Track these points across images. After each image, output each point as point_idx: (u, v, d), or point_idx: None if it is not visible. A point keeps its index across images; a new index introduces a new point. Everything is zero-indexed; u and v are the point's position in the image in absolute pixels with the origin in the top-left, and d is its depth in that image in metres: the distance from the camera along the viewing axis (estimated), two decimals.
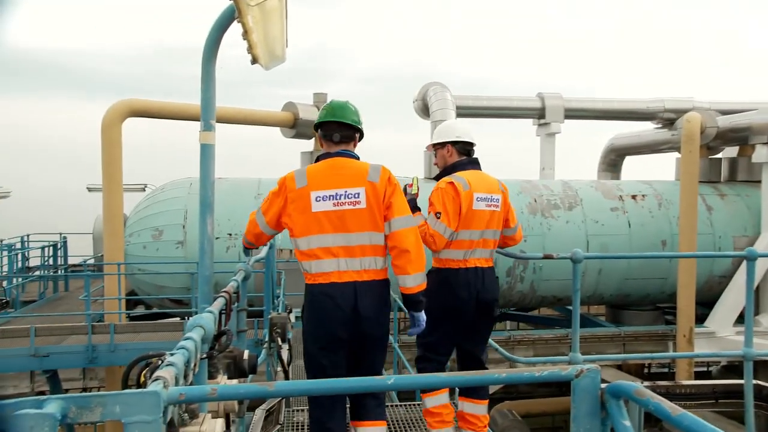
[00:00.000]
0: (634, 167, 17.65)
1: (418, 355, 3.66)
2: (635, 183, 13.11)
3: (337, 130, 3.03)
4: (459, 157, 3.69)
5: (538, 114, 14.53)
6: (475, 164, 3.71)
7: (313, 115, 12.28)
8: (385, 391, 3.24)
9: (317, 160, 3.07)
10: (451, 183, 3.50)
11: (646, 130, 15.57)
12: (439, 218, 3.41)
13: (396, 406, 5.06)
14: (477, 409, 3.62)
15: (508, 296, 12.08)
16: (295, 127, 12.19)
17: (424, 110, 13.65)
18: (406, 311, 3.14)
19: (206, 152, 3.09)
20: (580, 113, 14.63)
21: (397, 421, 4.68)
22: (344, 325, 2.86)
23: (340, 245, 2.87)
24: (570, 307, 13.50)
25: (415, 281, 2.93)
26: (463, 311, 3.47)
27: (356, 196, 2.87)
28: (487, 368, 3.80)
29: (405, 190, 3.33)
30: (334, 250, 2.87)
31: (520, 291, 11.96)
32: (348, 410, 3.13)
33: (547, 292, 12.07)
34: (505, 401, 13.06)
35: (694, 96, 14.59)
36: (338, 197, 2.87)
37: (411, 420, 4.71)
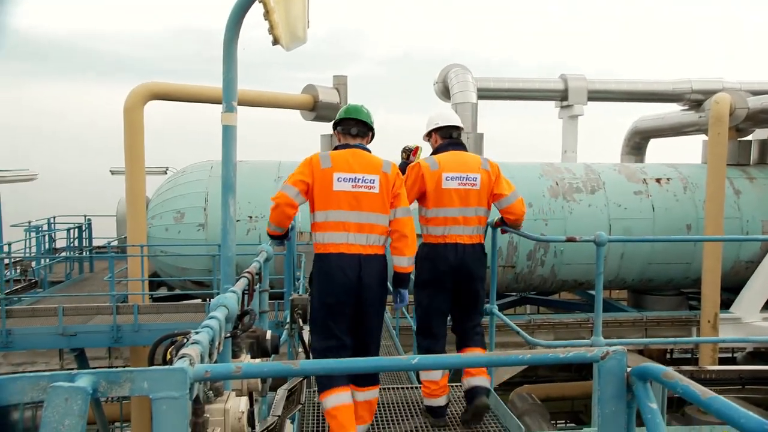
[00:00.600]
0: (658, 150, 17.35)
1: (417, 345, 4.12)
2: (660, 166, 12.88)
3: (354, 126, 3.49)
4: (444, 140, 3.97)
5: (561, 96, 14.31)
6: (456, 145, 3.95)
7: (333, 97, 12.25)
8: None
9: (336, 149, 3.46)
10: (417, 164, 3.82)
11: (671, 112, 15.26)
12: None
13: (415, 387, 5.09)
14: (432, 375, 3.96)
15: (528, 280, 12.02)
16: (315, 109, 12.18)
17: (445, 93, 13.53)
18: (393, 289, 3.58)
19: (228, 133, 3.10)
20: (604, 95, 14.36)
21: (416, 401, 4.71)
22: (349, 290, 3.30)
23: (353, 221, 3.30)
24: (591, 292, 13.41)
25: (408, 262, 3.45)
26: (443, 281, 3.81)
27: (372, 182, 3.32)
28: (480, 323, 4.14)
29: (407, 153, 3.73)
30: (347, 225, 3.30)
31: (540, 275, 11.89)
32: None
33: (568, 276, 11.98)
34: (525, 385, 13.06)
35: (724, 76, 14.23)
36: (356, 180, 3.30)
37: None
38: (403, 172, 3.74)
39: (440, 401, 4.00)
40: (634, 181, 12.22)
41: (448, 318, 4.07)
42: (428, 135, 4.07)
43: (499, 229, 4.37)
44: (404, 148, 5.78)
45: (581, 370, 15.13)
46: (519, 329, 4.48)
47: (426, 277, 3.86)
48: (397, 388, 5.05)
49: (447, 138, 3.97)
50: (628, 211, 11.82)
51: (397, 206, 3.41)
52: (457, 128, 4.02)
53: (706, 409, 1.24)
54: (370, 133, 3.57)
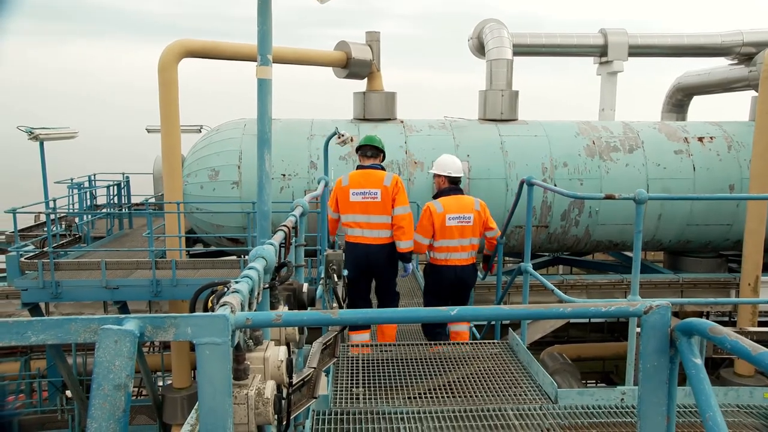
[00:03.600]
0: (702, 108, 16.64)
1: (423, 328, 5.81)
2: (702, 124, 12.40)
3: (369, 150, 5.19)
4: (448, 184, 5.33)
5: (600, 51, 13.78)
6: (456, 191, 5.33)
7: (366, 54, 12.06)
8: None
9: (358, 168, 5.18)
10: (428, 206, 5.25)
11: (718, 67, 14.54)
12: (416, 230, 5.24)
13: (447, 344, 5.14)
14: (459, 327, 5.58)
15: (562, 240, 11.89)
16: (348, 66, 12.03)
17: (480, 49, 13.18)
18: (400, 262, 5.24)
19: (263, 87, 3.07)
20: (646, 50, 13.75)
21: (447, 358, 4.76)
22: (363, 266, 5.11)
23: (364, 222, 5.03)
24: (626, 253, 13.22)
25: (406, 245, 5.08)
26: (445, 290, 5.33)
27: (375, 194, 4.98)
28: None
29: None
30: (360, 224, 5.05)
31: (574, 235, 11.73)
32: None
33: (602, 237, 11.80)
34: (555, 345, 13.10)
35: None
36: (365, 194, 4.99)
37: (459, 357, 4.78)
38: None
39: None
40: (675, 140, 11.82)
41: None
42: (437, 174, 5.38)
43: (533, 188, 4.94)
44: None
45: (613, 331, 15.07)
46: (554, 287, 4.45)
47: (431, 288, 5.38)
48: (430, 344, 5.11)
49: (452, 182, 5.33)
50: (667, 171, 11.48)
51: (396, 206, 5.00)
52: (459, 178, 5.37)
53: (757, 365, 1.20)
54: (382, 154, 5.23)
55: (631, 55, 13.67)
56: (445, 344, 5.12)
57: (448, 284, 5.23)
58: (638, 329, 4.11)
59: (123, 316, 1.44)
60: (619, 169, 11.45)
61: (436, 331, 5.52)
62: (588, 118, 12.92)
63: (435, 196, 5.36)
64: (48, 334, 1.47)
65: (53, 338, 1.48)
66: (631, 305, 1.57)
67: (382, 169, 5.10)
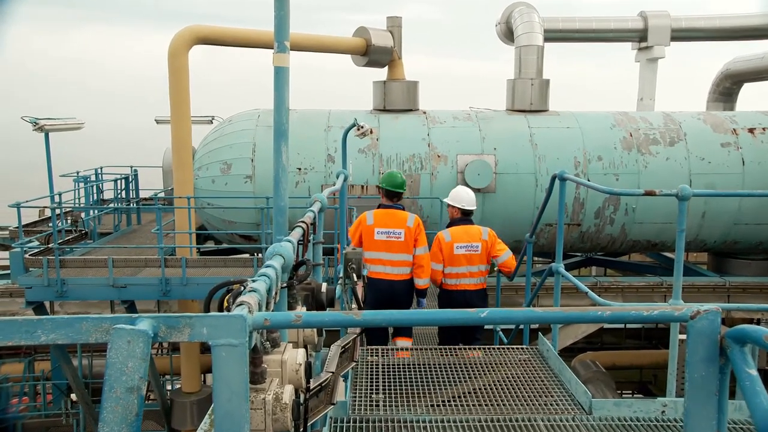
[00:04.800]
0: (753, 96, 16.27)
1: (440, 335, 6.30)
2: (754, 114, 12.15)
3: (396, 195, 5.75)
4: (459, 215, 5.92)
5: (639, 36, 13.58)
6: (466, 221, 5.92)
7: (386, 41, 12.05)
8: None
9: (379, 207, 5.77)
10: (438, 236, 5.88)
11: None
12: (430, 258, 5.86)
13: (472, 349, 5.13)
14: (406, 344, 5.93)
15: (595, 240, 11.78)
16: (368, 54, 12.03)
17: (508, 34, 13.10)
18: (415, 298, 5.85)
19: (280, 76, 3.08)
20: (691, 33, 13.50)
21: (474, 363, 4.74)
22: (385, 297, 5.58)
23: (387, 259, 5.62)
24: (666, 254, 13.03)
25: (424, 282, 5.75)
26: None
27: (399, 234, 5.58)
28: (479, 338, 5.98)
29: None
30: (383, 261, 5.63)
31: (608, 234, 11.61)
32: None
33: (639, 236, 11.66)
34: (588, 352, 12.98)
35: None
36: (389, 233, 5.57)
37: (485, 362, 4.77)
38: None
39: None
40: (722, 132, 11.60)
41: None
42: (450, 205, 5.98)
43: (566, 184, 4.97)
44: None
45: (651, 338, 14.89)
46: (587, 289, 4.41)
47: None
48: (454, 349, 5.10)
49: (465, 214, 5.92)
50: (712, 165, 11.29)
51: (417, 246, 5.64)
52: (471, 210, 5.97)
53: None
54: (402, 193, 5.83)
55: (673, 39, 13.44)
56: (472, 349, 5.11)
57: (459, 307, 5.63)
58: (681, 336, 4.06)
59: (136, 315, 1.47)
60: (659, 163, 11.28)
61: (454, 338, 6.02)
62: (625, 109, 12.76)
63: (448, 225, 6.10)
64: (58, 334, 1.50)
65: (64, 338, 1.51)
66: (676, 309, 1.55)
67: (403, 208, 5.83)
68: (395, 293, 5.57)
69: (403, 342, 5.85)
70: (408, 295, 5.69)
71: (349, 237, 5.67)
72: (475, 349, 5.12)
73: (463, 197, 5.93)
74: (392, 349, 5.17)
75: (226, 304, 1.84)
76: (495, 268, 6.21)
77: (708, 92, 15.67)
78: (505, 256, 5.91)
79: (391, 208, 5.65)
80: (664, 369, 4.07)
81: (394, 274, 5.56)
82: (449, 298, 5.86)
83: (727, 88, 15.34)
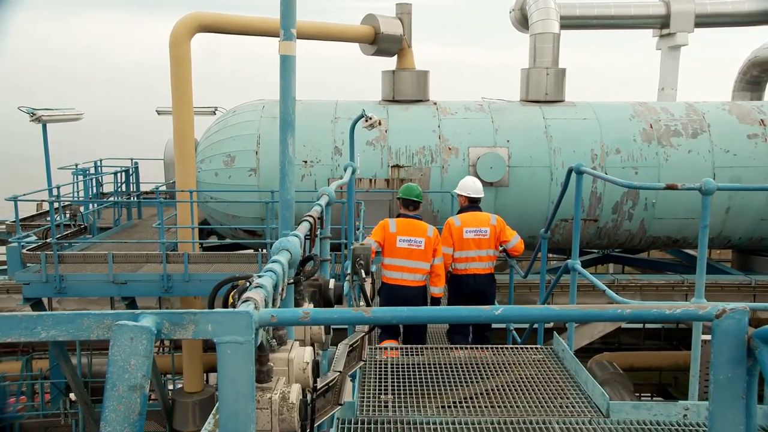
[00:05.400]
0: None
1: (448, 331, 6.66)
2: None
3: (411, 204, 6.14)
4: (468, 203, 6.45)
5: (661, 22, 13.48)
6: (474, 208, 6.42)
7: (396, 28, 12.03)
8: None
9: (399, 216, 6.15)
10: (449, 221, 6.37)
11: None
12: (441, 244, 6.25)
13: (485, 348, 5.12)
14: None
15: (613, 236, 11.73)
16: (376, 42, 12.00)
17: (523, 22, 13.04)
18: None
19: (287, 65, 3.08)
20: (716, 19, 13.37)
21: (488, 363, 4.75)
22: (400, 303, 5.67)
23: (406, 266, 5.98)
24: (688, 251, 12.96)
25: (439, 291, 6.18)
26: (466, 298, 6.24)
27: (420, 242, 5.96)
28: (489, 330, 6.57)
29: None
30: (402, 268, 6.00)
31: (627, 230, 11.56)
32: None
33: (659, 232, 11.60)
34: (605, 352, 12.94)
35: None
36: (410, 241, 5.96)
37: (498, 363, 4.77)
38: None
39: None
40: (749, 123, 11.50)
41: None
42: (459, 194, 6.52)
43: (582, 177, 4.97)
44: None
45: (671, 338, 14.81)
46: (605, 287, 4.40)
47: (454, 296, 6.40)
48: (465, 348, 5.10)
49: (471, 202, 6.43)
50: (738, 158, 11.19)
51: (435, 256, 6.04)
52: (479, 198, 6.47)
53: None
54: (419, 203, 6.22)
55: (698, 25, 13.32)
56: (483, 348, 5.11)
57: (468, 291, 6.27)
58: (704, 337, 4.03)
59: (139, 311, 1.47)
60: (681, 156, 11.21)
61: (462, 333, 6.49)
62: (645, 99, 12.68)
63: (458, 213, 6.59)
64: (59, 330, 1.51)
65: (64, 334, 1.52)
66: (700, 308, 1.54)
67: (421, 219, 6.25)
68: (410, 298, 5.96)
69: (390, 343, 6.09)
70: (422, 301, 6.10)
71: (373, 241, 5.97)
72: (485, 348, 5.12)
73: (470, 186, 6.49)
74: (383, 348, 5.22)
75: (231, 300, 1.85)
76: (504, 252, 6.62)
77: (734, 81, 15.51)
78: (514, 240, 6.34)
79: (411, 218, 6.09)
80: (684, 371, 4.05)
81: (411, 281, 5.99)
82: (459, 281, 6.27)
83: (754, 77, 15.16)
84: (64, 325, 1.50)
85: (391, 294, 5.97)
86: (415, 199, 6.12)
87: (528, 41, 12.33)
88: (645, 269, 13.82)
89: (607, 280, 11.26)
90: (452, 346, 5.38)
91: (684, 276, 11.54)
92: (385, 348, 5.21)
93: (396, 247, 5.93)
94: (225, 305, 1.94)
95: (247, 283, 1.85)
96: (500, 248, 6.43)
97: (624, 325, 13.51)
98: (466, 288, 6.22)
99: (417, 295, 6.02)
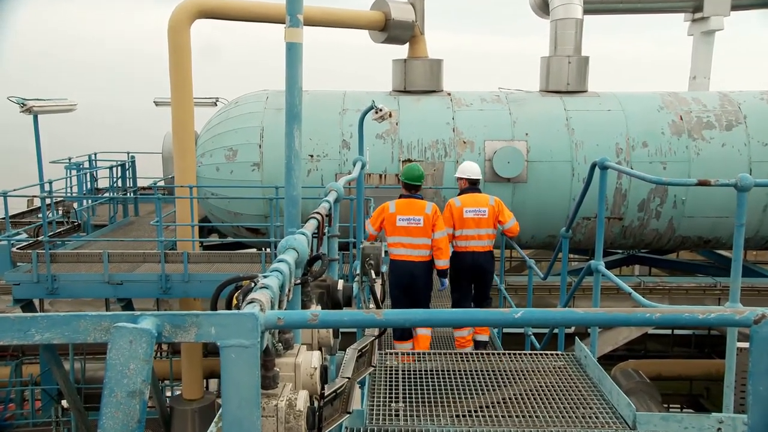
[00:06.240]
0: None
1: (452, 303, 7.57)
2: None
3: (413, 188, 6.81)
4: (467, 185, 7.19)
5: (693, 6, 13.36)
6: (474, 190, 7.18)
7: (407, 14, 12.01)
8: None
9: (400, 197, 6.82)
10: (449, 203, 7.14)
11: None
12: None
13: (502, 354, 5.12)
14: (461, 332, 7.30)
15: (639, 235, 11.67)
16: (387, 29, 11.99)
17: (543, 6, 12.98)
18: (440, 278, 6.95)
19: (293, 53, 3.09)
20: (755, 0, 13.20)
21: (502, 370, 4.74)
22: (405, 279, 6.73)
23: (408, 243, 6.68)
24: (721, 252, 12.87)
25: (443, 264, 6.79)
26: (466, 273, 7.11)
27: (419, 220, 6.64)
28: (490, 298, 7.40)
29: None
30: (404, 245, 6.70)
31: (654, 229, 11.50)
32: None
33: (690, 232, 11.53)
34: (630, 360, 12.88)
35: None
36: (409, 220, 6.64)
37: (515, 370, 4.76)
38: None
39: (468, 349, 7.01)
40: None
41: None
42: (459, 177, 7.30)
43: (607, 172, 5.00)
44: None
45: (703, 345, 14.73)
46: (631, 290, 4.38)
47: (455, 273, 7.10)
48: (481, 354, 5.10)
49: (471, 184, 7.18)
50: None
51: (435, 231, 6.68)
52: (478, 179, 7.28)
53: None
54: (420, 185, 6.87)
55: (734, 8, 13.17)
56: (499, 354, 5.11)
57: (468, 266, 7.07)
58: (740, 344, 4.00)
59: (138, 313, 1.48)
60: (713, 149, 11.14)
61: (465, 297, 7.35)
62: (675, 89, 12.59)
63: (458, 194, 7.33)
64: (54, 332, 1.52)
65: (60, 337, 1.53)
66: (737, 313, 1.53)
67: (422, 198, 6.95)
68: (415, 273, 6.74)
69: (401, 345, 6.90)
70: (427, 274, 6.84)
71: (370, 225, 6.72)
72: (503, 354, 5.11)
73: (468, 169, 7.31)
74: (397, 354, 5.28)
75: (235, 301, 1.85)
76: (501, 233, 7.44)
77: None
78: (511, 222, 7.16)
79: (411, 198, 6.79)
80: (717, 381, 4.02)
81: (415, 256, 6.70)
82: (460, 259, 7.06)
83: None
84: (59, 328, 1.51)
85: (398, 269, 6.74)
86: (416, 183, 6.82)
87: (548, 27, 12.28)
88: (674, 271, 13.75)
89: (633, 282, 11.21)
90: (468, 351, 5.38)
91: (717, 279, 11.47)
92: (400, 354, 5.24)
93: (396, 226, 6.69)
94: (228, 307, 1.95)
95: (252, 284, 1.85)
96: (498, 228, 7.25)
97: (651, 331, 13.45)
98: (465, 263, 7.04)
99: (422, 269, 6.76)
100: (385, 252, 6.51)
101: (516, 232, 7.24)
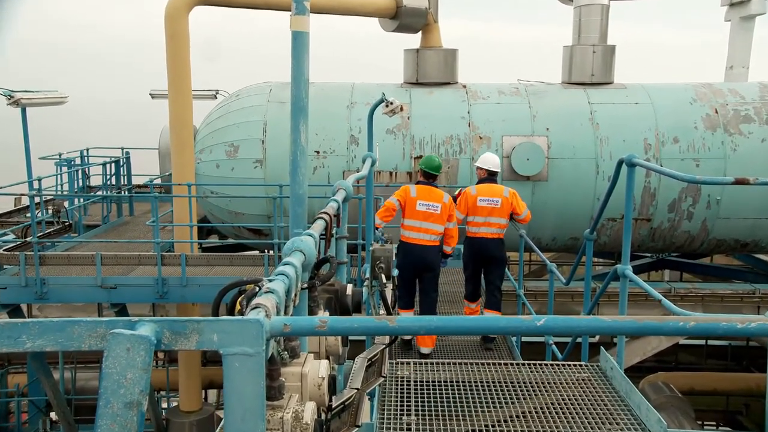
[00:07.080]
0: None
1: (465, 280, 8.38)
2: None
3: (432, 177, 7.62)
4: (486, 175, 7.95)
5: None
6: (491, 180, 7.94)
7: (421, 1, 12.01)
8: None
9: (418, 183, 7.66)
10: (466, 190, 7.99)
11: None
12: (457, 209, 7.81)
13: (521, 365, 5.11)
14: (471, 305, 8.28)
15: (669, 238, 11.62)
16: (398, 17, 12.00)
17: None
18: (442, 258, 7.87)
19: (299, 42, 3.10)
20: None
21: (521, 382, 4.74)
22: (416, 262, 7.57)
23: (423, 227, 7.47)
24: (759, 256, 12.80)
25: (451, 249, 7.79)
26: (476, 258, 8.01)
27: (437, 207, 7.45)
28: (499, 288, 8.11)
29: (454, 197, 7.97)
30: (420, 229, 7.47)
31: (686, 231, 11.45)
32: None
33: (725, 235, 11.47)
34: (659, 372, 12.82)
35: None
36: (428, 206, 7.43)
37: (536, 381, 4.75)
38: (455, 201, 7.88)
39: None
40: None
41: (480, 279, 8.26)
42: (478, 167, 8.09)
43: (634, 170, 4.98)
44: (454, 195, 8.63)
45: (740, 358, 14.62)
46: (661, 296, 4.36)
47: (466, 257, 8.16)
48: (499, 364, 5.10)
49: (489, 175, 7.93)
50: None
51: (450, 221, 7.55)
52: (496, 171, 8.03)
53: None
54: (438, 175, 7.72)
55: None
56: (518, 364, 5.10)
57: (477, 251, 7.95)
58: None
59: (136, 318, 1.49)
60: (753, 145, 11.08)
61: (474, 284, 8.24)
62: (709, 80, 12.53)
63: (476, 183, 8.09)
64: (46, 339, 1.53)
65: (53, 344, 1.54)
66: None
67: (438, 186, 7.77)
68: (425, 255, 7.58)
69: (406, 313, 7.67)
70: (435, 257, 7.69)
71: (394, 198, 7.50)
72: (521, 365, 5.11)
73: (489, 160, 8.04)
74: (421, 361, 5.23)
75: (238, 307, 1.86)
76: (514, 222, 8.15)
77: None
78: (525, 212, 7.96)
79: (429, 185, 7.59)
80: (758, 397, 4.00)
81: (426, 240, 7.53)
82: (470, 243, 8.01)
83: None
84: (52, 334, 1.52)
85: (408, 251, 7.56)
86: (435, 172, 7.65)
87: (572, 14, 12.25)
88: (707, 277, 13.68)
89: (663, 288, 11.16)
90: (484, 361, 5.36)
91: (755, 285, 11.40)
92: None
93: (416, 210, 7.48)
94: (231, 313, 1.96)
95: (256, 288, 1.86)
96: (512, 218, 7.98)
97: (682, 341, 13.38)
98: (474, 247, 7.97)
99: (430, 252, 7.60)
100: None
101: (527, 220, 8.06)
